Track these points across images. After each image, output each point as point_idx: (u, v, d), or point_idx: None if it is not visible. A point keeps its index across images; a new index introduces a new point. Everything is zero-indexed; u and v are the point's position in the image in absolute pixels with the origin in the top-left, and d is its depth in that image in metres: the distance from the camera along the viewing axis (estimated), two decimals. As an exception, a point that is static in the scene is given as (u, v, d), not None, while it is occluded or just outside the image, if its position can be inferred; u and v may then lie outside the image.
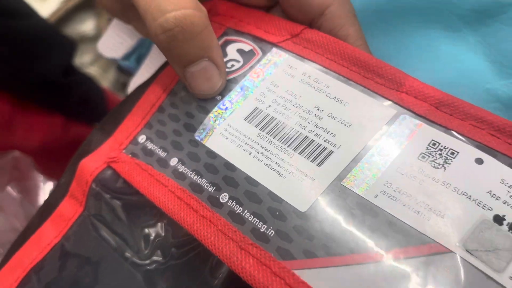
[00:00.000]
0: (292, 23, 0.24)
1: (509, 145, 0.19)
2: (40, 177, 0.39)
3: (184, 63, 0.23)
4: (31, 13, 0.59)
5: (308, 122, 0.21)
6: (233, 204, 0.20)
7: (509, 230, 0.17)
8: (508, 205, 0.17)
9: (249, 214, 0.20)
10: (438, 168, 0.19)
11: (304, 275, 0.18)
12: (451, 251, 0.17)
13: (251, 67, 0.24)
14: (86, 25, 1.23)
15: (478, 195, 0.18)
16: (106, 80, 1.20)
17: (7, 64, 0.53)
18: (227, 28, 0.26)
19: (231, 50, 0.25)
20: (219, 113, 0.23)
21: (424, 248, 0.17)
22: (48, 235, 0.24)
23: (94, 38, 1.23)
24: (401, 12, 0.27)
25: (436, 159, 0.19)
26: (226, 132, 0.22)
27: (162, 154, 0.23)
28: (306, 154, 0.20)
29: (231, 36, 0.25)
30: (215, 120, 0.23)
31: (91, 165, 0.24)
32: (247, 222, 0.20)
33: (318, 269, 0.18)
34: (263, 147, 0.21)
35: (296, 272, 0.18)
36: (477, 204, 0.18)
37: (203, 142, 0.22)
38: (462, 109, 0.20)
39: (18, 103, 0.55)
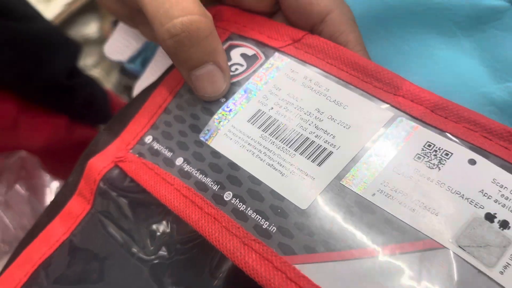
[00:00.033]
0: (294, 29, 0.25)
1: (500, 147, 0.19)
2: (46, 176, 0.40)
3: (190, 66, 0.23)
4: (37, 16, 0.60)
5: (309, 124, 0.22)
6: (237, 202, 0.21)
7: (499, 227, 0.18)
8: (499, 203, 0.18)
9: (252, 211, 0.21)
10: (433, 168, 0.19)
11: (305, 269, 0.18)
12: (444, 247, 0.18)
13: (254, 71, 0.25)
14: (90, 28, 1.24)
15: (470, 194, 0.19)
16: (108, 83, 1.21)
17: (13, 66, 0.53)
18: (231, 33, 0.26)
19: (235, 55, 0.25)
20: (223, 114, 0.24)
21: (419, 244, 0.18)
22: (57, 232, 0.25)
23: (98, 40, 1.24)
24: (399, 19, 0.27)
25: (431, 160, 0.20)
26: (230, 133, 0.23)
27: (168, 154, 0.24)
28: (307, 154, 0.21)
29: (235, 41, 0.26)
30: (220, 122, 0.24)
31: (99, 164, 0.25)
32: (250, 219, 0.20)
33: (318, 264, 0.19)
34: (266, 148, 0.22)
35: (297, 266, 0.19)
36: (470, 203, 0.18)
37: (208, 143, 0.23)
38: (456, 112, 0.21)
39: (24, 104, 0.56)
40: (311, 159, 0.21)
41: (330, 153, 0.21)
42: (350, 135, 0.21)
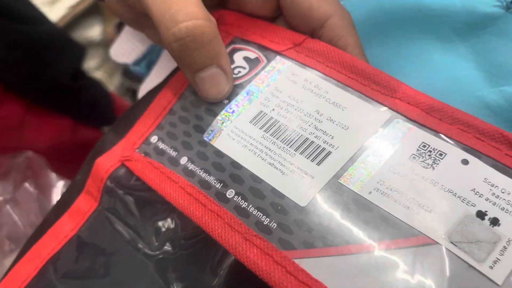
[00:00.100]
0: (295, 33, 0.26)
1: (492, 148, 0.20)
2: (52, 175, 0.41)
3: (194, 69, 0.24)
4: (43, 19, 0.60)
5: (309, 125, 0.23)
6: (239, 199, 0.22)
7: (490, 224, 0.18)
8: (490, 202, 0.19)
9: (253, 208, 0.21)
10: (427, 168, 0.20)
11: (303, 263, 0.19)
12: (437, 243, 0.18)
13: (257, 74, 0.26)
14: (93, 31, 1.24)
15: (463, 192, 0.19)
16: (111, 85, 1.21)
17: (19, 68, 0.54)
18: (234, 37, 0.27)
19: (238, 58, 0.26)
20: (226, 115, 0.25)
21: (413, 240, 0.19)
22: (65, 228, 0.26)
23: (101, 43, 1.25)
24: (398, 25, 0.28)
25: (425, 160, 0.21)
26: (232, 134, 0.24)
27: (173, 154, 0.25)
28: (307, 154, 0.22)
29: (238, 45, 0.27)
30: (223, 122, 0.25)
31: (106, 163, 0.26)
32: (251, 216, 0.21)
33: (316, 258, 0.19)
34: (267, 148, 0.23)
35: (296, 261, 0.19)
36: (462, 201, 0.19)
37: (211, 143, 0.24)
38: (450, 114, 0.21)
39: (29, 105, 0.57)
40: (311, 159, 0.22)
41: (329, 153, 0.22)
42: (348, 136, 0.22)
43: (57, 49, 0.59)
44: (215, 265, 0.22)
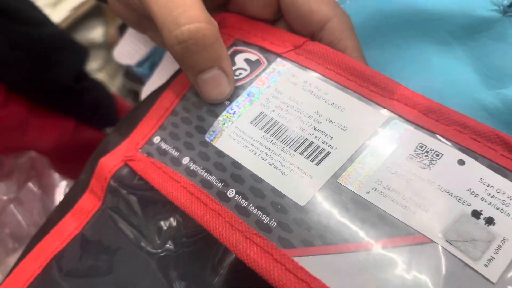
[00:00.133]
0: (295, 36, 0.26)
1: (488, 148, 0.21)
2: (56, 175, 0.41)
3: (196, 71, 0.25)
4: (46, 21, 0.61)
5: (308, 126, 0.23)
6: (239, 199, 0.22)
7: (485, 224, 0.19)
8: (485, 201, 0.19)
9: (253, 207, 0.22)
10: (424, 168, 0.21)
11: (303, 261, 0.20)
12: (433, 242, 0.19)
13: (257, 75, 0.26)
14: (95, 32, 1.25)
15: (459, 192, 0.20)
16: (113, 86, 1.22)
17: (23, 69, 0.55)
18: (235, 39, 0.28)
19: (239, 60, 0.27)
20: (227, 116, 0.25)
21: (410, 238, 0.19)
22: (69, 227, 0.26)
23: (103, 45, 1.25)
24: (397, 28, 0.28)
25: (422, 160, 0.21)
26: (233, 134, 0.24)
27: (175, 154, 0.25)
28: (306, 154, 0.23)
29: (239, 47, 0.27)
30: (224, 123, 0.25)
31: (110, 163, 0.26)
32: (251, 215, 0.22)
33: (315, 257, 0.20)
34: (267, 148, 0.23)
35: (295, 259, 0.20)
36: (458, 200, 0.20)
37: (213, 143, 0.25)
38: (447, 116, 0.22)
39: (33, 106, 0.57)
40: (310, 159, 0.22)
41: (328, 153, 0.22)
42: (347, 136, 0.23)
43: (59, 50, 0.60)
44: (216, 264, 0.23)
